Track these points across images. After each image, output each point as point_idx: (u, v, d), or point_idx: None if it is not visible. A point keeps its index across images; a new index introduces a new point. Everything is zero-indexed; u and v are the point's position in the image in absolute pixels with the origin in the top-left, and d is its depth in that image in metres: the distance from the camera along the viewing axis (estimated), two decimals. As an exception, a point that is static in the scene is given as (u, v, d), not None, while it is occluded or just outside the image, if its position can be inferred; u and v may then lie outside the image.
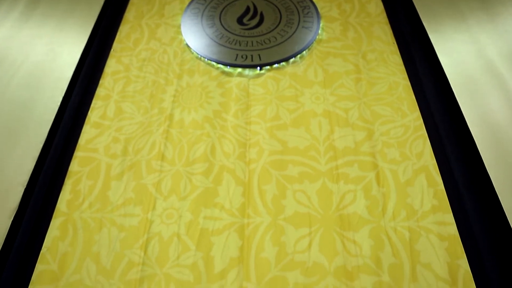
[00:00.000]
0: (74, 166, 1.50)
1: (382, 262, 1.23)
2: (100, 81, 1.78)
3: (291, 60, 1.83)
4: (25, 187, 1.40)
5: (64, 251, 1.31)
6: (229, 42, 1.91)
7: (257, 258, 1.27)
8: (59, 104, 1.62)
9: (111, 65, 1.84)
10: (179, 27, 2.02)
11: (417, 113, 1.57)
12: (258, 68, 1.80)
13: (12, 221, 1.34)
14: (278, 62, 1.81)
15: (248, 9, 2.08)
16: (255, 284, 1.22)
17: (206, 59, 1.85)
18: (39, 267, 1.28)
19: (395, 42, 1.85)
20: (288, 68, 1.80)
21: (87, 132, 1.60)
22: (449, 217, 1.29)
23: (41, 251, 1.30)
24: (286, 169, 1.46)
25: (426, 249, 1.24)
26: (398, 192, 1.37)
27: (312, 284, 1.21)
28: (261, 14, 2.04)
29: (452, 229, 1.27)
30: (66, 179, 1.46)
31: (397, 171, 1.42)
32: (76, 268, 1.27)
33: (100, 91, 1.74)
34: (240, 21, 2.02)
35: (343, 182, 1.41)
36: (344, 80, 1.72)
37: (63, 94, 1.65)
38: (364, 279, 1.21)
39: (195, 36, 1.95)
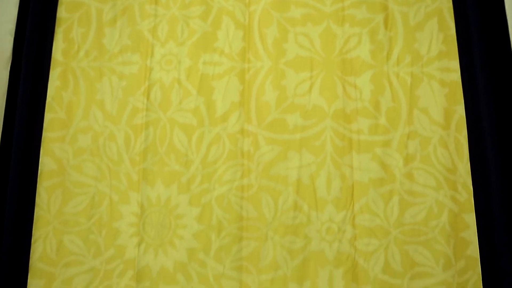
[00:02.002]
0: (62, 12, 1.40)
1: (380, 106, 1.25)
2: None
3: None
4: (13, 35, 1.35)
5: (69, 100, 1.34)
6: None
7: (258, 101, 1.29)
8: None
9: None
10: None
11: None
12: None
13: (10, 73, 1.33)
14: None
15: None
16: (256, 126, 1.27)
17: None
18: (48, 115, 1.32)
19: None
20: None
21: (69, -27, 1.45)
22: (455, 64, 1.26)
23: (47, 100, 1.33)
24: (289, 11, 1.35)
25: (426, 94, 1.25)
26: (406, 36, 1.30)
27: (311, 125, 1.26)
28: None
29: (455, 75, 1.25)
30: (56, 27, 1.39)
31: (408, 13, 1.32)
32: (83, 115, 1.32)
33: None
34: None
35: (349, 25, 1.32)
36: None
37: None
38: (361, 122, 1.25)
39: None
